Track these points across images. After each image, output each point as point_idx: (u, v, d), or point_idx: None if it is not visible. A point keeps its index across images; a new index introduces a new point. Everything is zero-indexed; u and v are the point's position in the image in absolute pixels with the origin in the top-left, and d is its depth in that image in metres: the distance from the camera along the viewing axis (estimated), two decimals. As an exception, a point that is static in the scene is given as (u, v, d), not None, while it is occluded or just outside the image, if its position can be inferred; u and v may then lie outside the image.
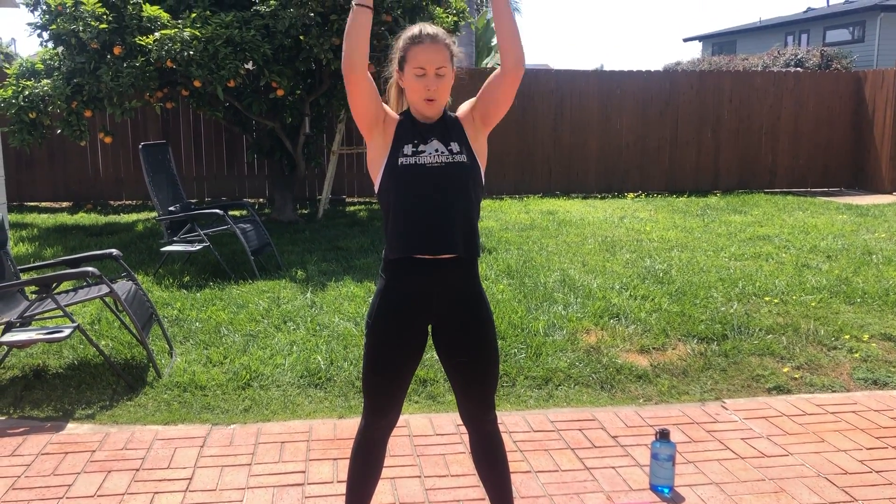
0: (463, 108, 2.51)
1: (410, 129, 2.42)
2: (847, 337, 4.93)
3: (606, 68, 12.70)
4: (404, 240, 2.35)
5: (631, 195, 12.19)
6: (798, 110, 12.86)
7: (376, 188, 2.42)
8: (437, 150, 2.38)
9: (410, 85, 2.38)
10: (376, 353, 2.42)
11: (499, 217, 9.66)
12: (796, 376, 4.42)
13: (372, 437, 2.50)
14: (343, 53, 2.30)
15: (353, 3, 2.29)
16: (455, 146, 2.41)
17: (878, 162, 12.65)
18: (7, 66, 9.30)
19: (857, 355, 4.68)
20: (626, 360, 4.57)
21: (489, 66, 22.28)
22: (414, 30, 2.39)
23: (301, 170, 9.62)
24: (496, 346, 2.49)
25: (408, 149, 2.38)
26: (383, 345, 2.41)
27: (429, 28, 2.38)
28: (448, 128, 2.44)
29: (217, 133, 11.25)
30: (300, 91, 8.95)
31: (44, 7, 8.12)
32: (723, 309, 5.42)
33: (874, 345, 4.84)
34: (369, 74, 2.34)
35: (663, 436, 3.13)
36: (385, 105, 2.45)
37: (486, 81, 2.45)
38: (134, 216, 10.09)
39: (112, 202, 11.11)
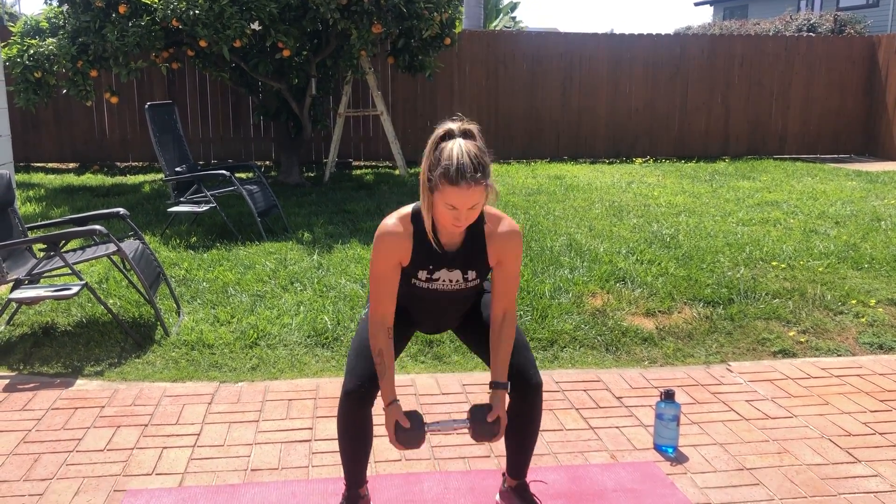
0: (495, 242, 2.38)
1: (428, 254, 2.35)
2: (854, 302, 4.93)
3: (617, 32, 12.51)
4: (403, 316, 2.55)
5: (639, 160, 12.12)
6: (810, 76, 12.70)
7: None
8: (450, 280, 2.40)
9: (440, 210, 2.23)
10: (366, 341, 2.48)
11: (506, 181, 9.62)
12: (802, 340, 4.42)
13: (357, 407, 2.40)
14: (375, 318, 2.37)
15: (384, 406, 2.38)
16: (472, 274, 2.40)
17: (889, 128, 12.52)
18: (11, 25, 9.22)
19: (863, 320, 4.68)
20: (632, 323, 4.57)
21: (497, 28, 22.01)
22: (451, 160, 2.14)
23: (307, 132, 9.57)
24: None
25: (422, 274, 2.39)
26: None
27: (466, 165, 2.14)
28: (471, 255, 2.38)
29: (223, 94, 11.18)
30: (306, 52, 8.88)
31: (48, -36, 8.05)
32: (729, 273, 5.41)
33: (881, 310, 4.83)
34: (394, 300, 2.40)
35: (668, 396, 3.14)
36: (400, 251, 2.34)
37: (500, 272, 2.43)
38: (140, 177, 10.08)
39: (119, 163, 11.10)
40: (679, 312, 4.77)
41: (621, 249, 6.01)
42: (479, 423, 2.39)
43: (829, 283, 5.27)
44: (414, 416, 2.38)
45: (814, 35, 13.55)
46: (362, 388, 2.38)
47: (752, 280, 5.28)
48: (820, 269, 5.55)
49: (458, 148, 2.16)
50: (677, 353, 4.27)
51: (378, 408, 2.50)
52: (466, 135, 2.22)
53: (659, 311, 4.76)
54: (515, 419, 2.51)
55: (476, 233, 2.37)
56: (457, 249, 2.37)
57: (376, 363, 2.36)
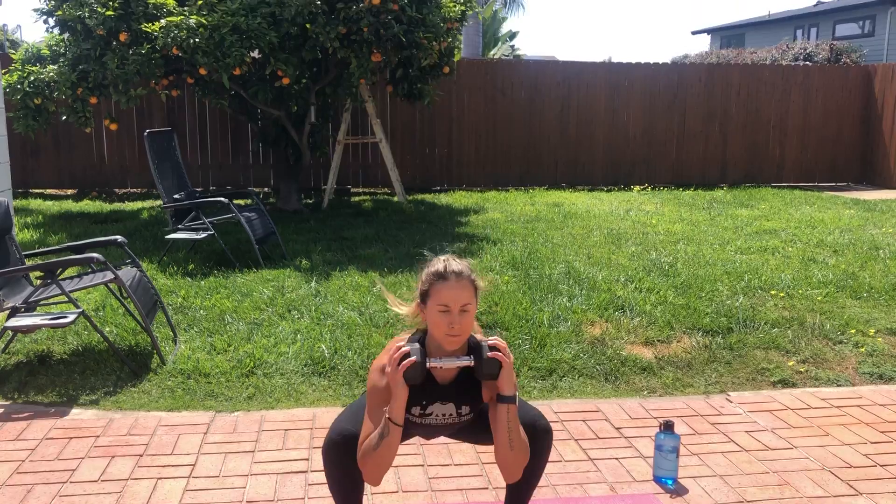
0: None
1: (421, 390, 2.34)
2: (853, 331, 4.91)
3: (614, 61, 12.62)
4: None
5: (637, 188, 12.15)
6: (807, 104, 12.79)
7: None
8: (444, 415, 2.40)
9: (433, 320, 2.29)
10: (372, 409, 2.35)
11: (504, 208, 9.64)
12: (801, 370, 4.40)
13: (346, 451, 2.36)
14: (366, 471, 2.24)
15: (388, 418, 2.21)
16: (466, 409, 2.41)
17: (886, 157, 12.58)
18: (13, 51, 9.28)
19: (862, 350, 4.66)
20: (631, 352, 4.55)
21: (496, 56, 22.21)
22: (439, 266, 2.31)
23: (306, 159, 9.61)
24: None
25: (415, 410, 2.38)
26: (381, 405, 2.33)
27: (454, 264, 2.31)
28: (465, 389, 2.38)
29: (222, 121, 11.24)
30: (306, 80, 8.93)
31: (50, -7, 8.12)
32: (728, 302, 5.40)
33: (880, 339, 4.81)
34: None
35: (667, 427, 3.11)
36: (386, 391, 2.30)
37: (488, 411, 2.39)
38: (139, 204, 10.09)
39: (117, 190, 11.12)
40: (678, 341, 4.75)
41: (620, 277, 6.01)
42: (483, 358, 2.29)
43: (829, 312, 5.26)
44: (415, 351, 2.28)
45: (810, 64, 13.66)
46: (347, 440, 2.34)
47: (750, 309, 5.27)
48: (819, 298, 5.54)
49: (445, 260, 2.34)
50: (676, 382, 4.24)
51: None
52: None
53: (658, 340, 4.74)
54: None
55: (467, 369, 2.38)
56: (449, 383, 2.38)
57: (374, 440, 2.27)
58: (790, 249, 7.21)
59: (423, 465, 3.24)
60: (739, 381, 4.27)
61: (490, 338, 2.33)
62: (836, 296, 5.63)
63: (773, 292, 5.67)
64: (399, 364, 2.23)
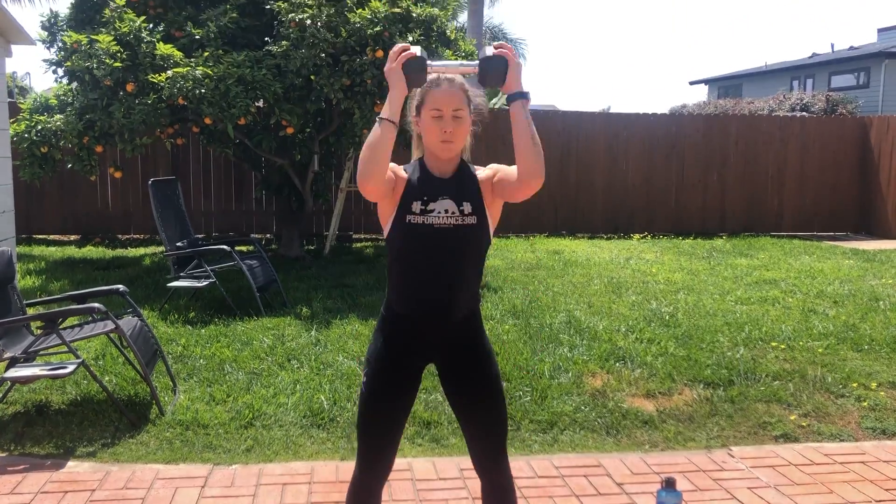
0: (485, 172, 2.45)
1: (421, 184, 2.36)
2: (855, 385, 4.89)
3: (613, 110, 12.82)
4: (406, 300, 2.39)
5: (637, 236, 12.20)
6: (804, 155, 12.92)
7: (385, 233, 2.41)
8: (446, 211, 2.33)
9: (427, 127, 2.34)
10: (374, 397, 2.41)
11: (505, 256, 9.67)
12: (804, 424, 4.38)
13: (368, 482, 2.45)
14: (361, 166, 2.21)
15: (380, 118, 2.22)
16: (467, 206, 2.35)
17: (884, 207, 12.65)
18: (22, 99, 9.42)
19: (865, 404, 4.64)
20: (632, 405, 4.53)
21: (497, 106, 22.46)
22: (431, 76, 2.36)
23: (309, 206, 9.67)
24: (501, 392, 2.47)
25: (416, 206, 2.33)
26: (382, 387, 2.40)
27: (448, 74, 2.36)
28: (464, 185, 2.38)
29: (226, 169, 11.34)
30: (310, 129, 9.04)
31: (60, 44, 8.27)
32: (729, 354, 5.39)
33: (882, 393, 4.79)
34: (384, 180, 2.26)
35: (669, 484, 3.08)
36: (393, 170, 2.35)
37: (506, 174, 2.38)
38: (142, 250, 10.13)
39: (120, 236, 11.17)
40: (679, 394, 4.73)
41: (620, 327, 6.00)
42: (486, 61, 2.24)
43: (830, 364, 5.24)
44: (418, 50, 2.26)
45: (807, 115, 13.84)
46: (375, 469, 2.42)
47: (751, 361, 5.25)
48: (820, 351, 5.52)
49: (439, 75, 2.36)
50: (678, 436, 4.21)
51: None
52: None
53: (659, 393, 4.72)
54: None
55: (465, 167, 2.43)
56: (449, 177, 2.38)
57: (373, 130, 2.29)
58: (790, 300, 7.22)
59: None
60: (741, 435, 4.24)
61: (490, 47, 2.29)
62: (836, 348, 5.62)
63: (773, 344, 5.66)
64: (399, 56, 2.23)
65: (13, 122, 8.41)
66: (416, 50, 2.24)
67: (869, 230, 12.94)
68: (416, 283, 2.37)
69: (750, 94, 25.44)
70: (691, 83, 34.13)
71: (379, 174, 2.23)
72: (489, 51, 2.25)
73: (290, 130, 8.27)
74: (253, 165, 10.04)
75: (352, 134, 8.70)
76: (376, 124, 2.23)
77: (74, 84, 8.22)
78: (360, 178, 2.22)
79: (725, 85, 31.47)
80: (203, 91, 7.42)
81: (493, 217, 2.43)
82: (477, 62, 2.29)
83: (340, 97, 7.95)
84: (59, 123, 8.18)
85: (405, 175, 2.39)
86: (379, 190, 2.28)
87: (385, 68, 2.27)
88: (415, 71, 2.24)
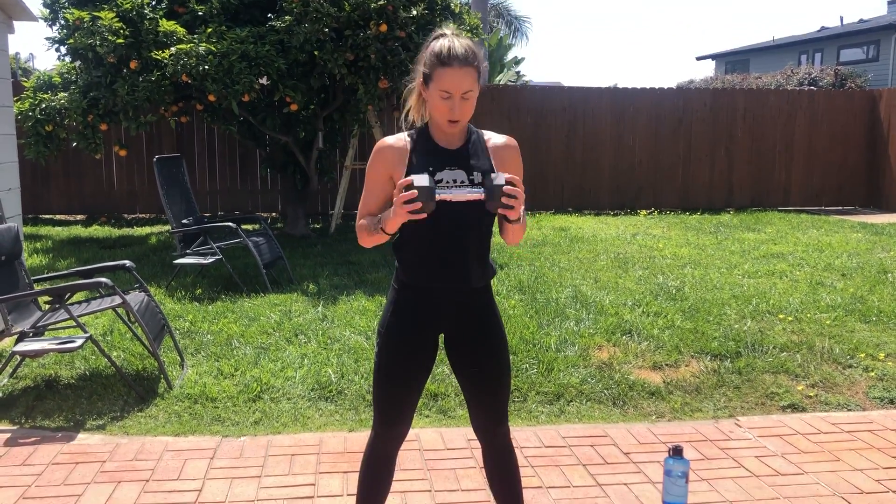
0: (496, 142, 2.39)
1: (426, 154, 2.30)
2: (862, 355, 4.88)
3: (620, 86, 12.69)
4: (415, 272, 2.36)
5: (644, 212, 12.16)
6: (812, 129, 12.82)
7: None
8: (454, 180, 2.28)
9: (434, 103, 2.26)
10: (388, 364, 2.40)
11: (511, 233, 9.63)
12: (811, 394, 4.37)
13: (382, 449, 2.47)
14: (357, 230, 2.39)
15: (381, 228, 2.27)
16: (478, 175, 2.29)
17: (892, 181, 12.57)
18: (25, 79, 9.40)
19: (872, 374, 4.63)
20: (639, 377, 4.53)
21: (502, 83, 22.36)
22: (443, 45, 2.23)
23: (314, 184, 9.66)
24: (507, 358, 2.47)
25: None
26: (395, 355, 2.39)
27: (457, 46, 2.23)
28: (475, 156, 2.32)
29: (231, 147, 11.32)
30: (314, 106, 9.00)
31: (62, 22, 8.23)
32: (736, 326, 5.38)
33: (890, 363, 4.78)
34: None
35: (676, 452, 3.09)
36: (391, 157, 2.32)
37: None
38: (147, 229, 10.15)
39: (126, 215, 11.18)
40: (686, 366, 4.72)
41: (627, 301, 5.99)
42: (492, 188, 2.17)
43: (837, 336, 5.23)
44: (422, 188, 2.16)
45: (815, 89, 13.71)
46: (390, 434, 2.44)
47: (759, 333, 5.25)
48: (827, 322, 5.51)
49: (449, 39, 2.26)
50: (685, 407, 4.21)
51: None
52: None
53: (666, 365, 4.72)
54: (492, 472, 2.52)
55: (473, 136, 2.37)
56: (458, 148, 2.33)
57: (368, 229, 2.33)
58: (798, 273, 7.19)
59: (430, 491, 3.22)
60: (748, 406, 4.24)
61: (502, 174, 2.19)
62: (844, 320, 5.60)
63: (781, 316, 5.65)
64: (406, 201, 2.14)
65: (17, 101, 8.40)
66: (421, 180, 2.14)
67: (878, 204, 12.86)
68: (429, 254, 2.33)
69: (757, 69, 25.23)
70: (698, 59, 33.88)
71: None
72: (500, 179, 2.18)
73: (294, 107, 8.24)
74: (257, 143, 10.02)
75: (356, 110, 8.67)
76: (374, 222, 2.31)
77: (78, 62, 8.20)
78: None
79: (733, 60, 31.21)
80: (207, 67, 7.39)
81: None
82: (482, 190, 2.22)
83: (344, 73, 7.91)
84: (63, 101, 8.17)
85: (406, 157, 2.32)
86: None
87: (394, 210, 2.18)
88: (426, 209, 2.16)
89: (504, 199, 2.16)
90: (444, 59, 2.21)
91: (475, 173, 2.30)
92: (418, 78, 2.34)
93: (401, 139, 2.36)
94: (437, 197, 2.18)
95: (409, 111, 2.43)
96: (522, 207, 2.21)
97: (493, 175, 2.19)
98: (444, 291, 2.36)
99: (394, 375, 2.40)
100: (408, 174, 2.27)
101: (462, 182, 2.28)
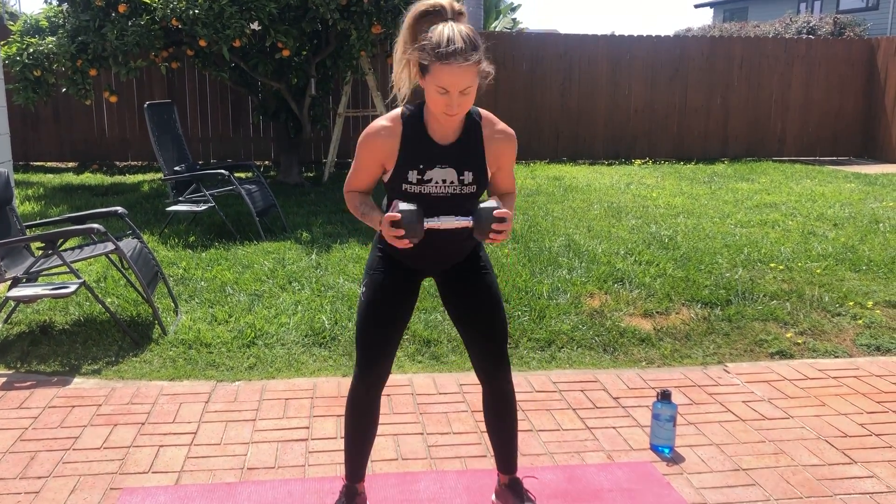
0: (493, 133, 2.31)
1: (418, 148, 2.23)
2: (851, 304, 4.93)
3: (617, 34, 12.52)
4: (403, 252, 2.38)
5: (638, 162, 12.12)
6: (809, 78, 12.71)
7: (385, 178, 2.34)
8: (444, 181, 2.24)
9: (431, 96, 2.15)
10: (371, 304, 2.42)
11: (505, 182, 9.61)
12: (799, 342, 4.43)
13: (365, 393, 2.48)
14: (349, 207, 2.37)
15: (367, 216, 2.30)
16: (468, 176, 2.25)
17: (888, 131, 12.53)
18: (11, 23, 9.23)
19: (860, 322, 4.68)
20: (630, 324, 4.58)
21: (497, 29, 22.02)
22: (443, 36, 2.08)
23: (307, 132, 9.58)
24: (499, 295, 2.49)
25: (412, 175, 2.24)
26: (379, 295, 2.42)
27: (458, 41, 2.07)
28: (468, 151, 2.26)
29: (223, 94, 11.19)
30: (306, 52, 8.88)
31: (48, -37, 8.05)
32: (727, 275, 5.42)
33: (878, 312, 4.83)
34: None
35: (665, 396, 3.14)
36: (382, 142, 2.25)
37: (500, 173, 2.38)
38: (139, 177, 10.09)
39: (118, 162, 11.10)
40: (677, 313, 4.77)
41: (619, 250, 6.02)
42: (482, 217, 2.16)
43: (827, 284, 5.27)
44: (408, 218, 2.16)
45: (813, 37, 13.56)
46: (372, 375, 2.45)
47: (749, 282, 5.29)
48: (818, 271, 5.55)
49: (449, 28, 2.11)
50: (675, 353, 4.27)
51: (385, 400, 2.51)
52: (458, 17, 2.16)
53: (657, 312, 4.76)
54: (490, 414, 2.56)
55: (471, 126, 2.28)
56: (450, 144, 2.25)
57: (359, 211, 2.36)
58: (790, 223, 7.22)
59: (422, 434, 3.28)
60: (737, 353, 4.30)
61: (494, 203, 2.17)
62: (835, 269, 5.64)
63: (772, 265, 5.68)
64: (395, 233, 2.14)
65: (4, 45, 8.26)
66: (409, 216, 2.12)
67: (873, 154, 12.84)
68: (409, 252, 2.37)
69: (756, 18, 24.90)
70: (696, 6, 33.40)
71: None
72: (489, 209, 2.15)
73: (285, 53, 8.12)
74: (249, 90, 9.90)
75: (349, 56, 8.56)
76: (363, 207, 2.34)
77: (65, 5, 8.04)
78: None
79: (731, 8, 30.76)
80: (197, 12, 7.26)
81: (491, 165, 2.35)
82: (471, 219, 2.19)
83: (336, 17, 7.78)
84: (51, 46, 8.03)
85: (397, 143, 2.25)
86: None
87: (382, 229, 2.19)
88: (414, 236, 2.16)
89: (494, 228, 2.15)
90: (443, 55, 2.07)
91: (466, 173, 2.26)
92: (415, 63, 2.18)
93: (394, 121, 2.26)
94: (426, 226, 2.17)
95: (395, 80, 2.29)
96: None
97: (482, 205, 2.17)
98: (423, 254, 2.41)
99: (377, 316, 2.42)
100: (397, 170, 2.24)
101: (451, 182, 2.25)
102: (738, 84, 12.56)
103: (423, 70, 2.15)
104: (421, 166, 2.23)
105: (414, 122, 2.25)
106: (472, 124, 2.29)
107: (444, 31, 2.10)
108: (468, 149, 2.26)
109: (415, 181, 2.24)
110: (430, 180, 2.24)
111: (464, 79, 2.10)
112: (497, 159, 2.33)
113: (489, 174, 2.33)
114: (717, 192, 9.03)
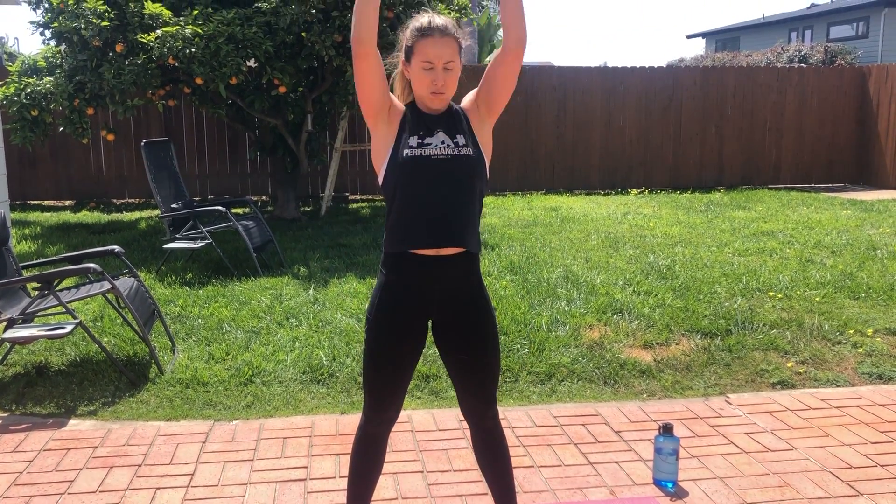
0: (467, 99, 2.45)
1: (416, 120, 2.36)
2: (851, 332, 4.91)
3: (610, 65, 12.64)
4: (404, 232, 2.31)
5: (634, 191, 12.16)
6: (802, 106, 12.81)
7: (380, 180, 2.37)
8: (442, 143, 2.32)
9: (417, 77, 2.32)
10: (377, 348, 2.39)
11: (501, 213, 9.64)
12: (800, 371, 4.40)
13: (373, 432, 2.47)
14: (352, 26, 2.24)
15: None
16: (461, 139, 2.35)
17: (882, 157, 12.60)
18: (10, 64, 9.30)
19: (861, 350, 4.66)
20: (630, 356, 4.55)
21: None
22: (422, 20, 2.31)
23: (304, 167, 9.61)
24: (497, 342, 2.46)
25: (413, 140, 2.32)
26: (384, 339, 2.38)
27: (437, 19, 2.30)
28: (454, 120, 2.38)
29: (219, 130, 11.25)
30: (302, 88, 8.94)
31: (46, 5, 8.13)
32: (726, 304, 5.40)
33: (879, 339, 4.81)
34: (377, 51, 2.27)
35: (667, 430, 3.11)
36: (391, 94, 2.40)
37: (488, 66, 2.41)
38: (137, 214, 10.09)
39: (115, 200, 11.12)
40: (677, 344, 4.74)
41: (618, 281, 6.01)
42: None
43: (827, 312, 5.26)
44: None
45: (805, 66, 13.69)
46: (378, 418, 2.45)
47: (749, 311, 5.27)
48: (817, 299, 5.54)
49: (429, 15, 2.33)
50: (676, 385, 4.24)
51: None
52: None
53: (657, 343, 4.74)
54: (483, 454, 2.53)
55: (455, 108, 2.43)
56: (440, 114, 2.38)
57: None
58: (788, 251, 7.22)
59: (422, 472, 3.24)
60: (739, 383, 4.27)
61: None
62: (834, 296, 5.63)
63: (771, 294, 5.67)
64: None
65: (2, 86, 8.31)
66: None
67: (867, 181, 12.90)
68: (413, 215, 2.31)
69: (748, 47, 25.19)
70: (688, 37, 33.78)
71: (368, 34, 2.23)
72: None
73: (282, 89, 8.18)
74: (246, 126, 9.96)
75: (345, 92, 8.62)
76: None
77: (63, 45, 8.11)
78: (352, 41, 2.24)
79: (723, 38, 31.13)
80: (193, 50, 7.32)
81: (485, 146, 2.40)
82: None
83: (332, 54, 7.85)
84: (48, 86, 8.08)
85: (401, 107, 2.39)
86: (371, 65, 2.25)
87: None
88: None
89: None
90: (425, 31, 2.28)
91: (458, 136, 2.36)
92: (400, 56, 2.40)
93: (396, 99, 2.44)
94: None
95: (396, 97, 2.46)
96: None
97: None
98: (431, 263, 2.32)
99: (383, 361, 2.38)
100: (398, 136, 2.35)
101: (448, 144, 2.34)
102: (731, 113, 12.66)
103: (409, 55, 2.32)
104: (421, 132, 2.34)
105: (411, 107, 2.41)
106: (454, 108, 2.43)
107: (424, 17, 2.32)
108: (455, 118, 2.40)
109: (415, 144, 2.33)
110: (429, 143, 2.33)
111: (446, 50, 2.27)
112: (474, 104, 2.43)
113: (480, 142, 2.40)
114: (713, 220, 9.05)
